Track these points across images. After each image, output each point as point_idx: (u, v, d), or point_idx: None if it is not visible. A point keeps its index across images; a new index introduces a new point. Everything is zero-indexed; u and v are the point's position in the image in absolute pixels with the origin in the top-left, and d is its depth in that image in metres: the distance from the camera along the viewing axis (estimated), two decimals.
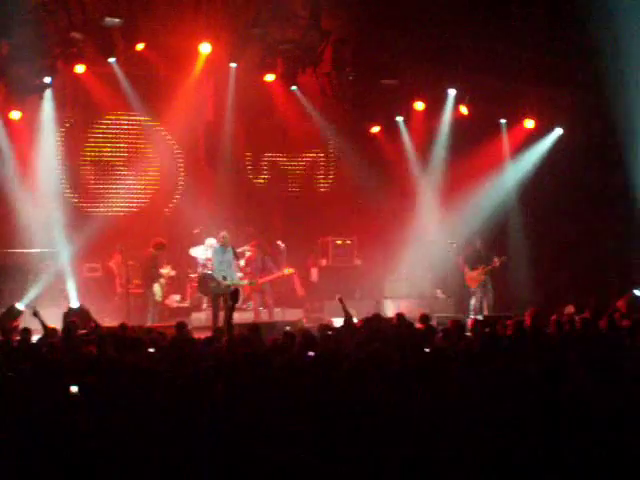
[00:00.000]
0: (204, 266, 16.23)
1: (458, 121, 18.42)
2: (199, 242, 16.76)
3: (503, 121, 18.87)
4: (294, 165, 19.80)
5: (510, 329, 10.36)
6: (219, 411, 6.34)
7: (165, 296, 16.73)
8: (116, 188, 18.27)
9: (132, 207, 18.40)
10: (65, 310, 13.48)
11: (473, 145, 18.21)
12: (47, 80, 15.85)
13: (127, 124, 18.37)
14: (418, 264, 18.17)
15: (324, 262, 18.52)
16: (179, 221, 17.81)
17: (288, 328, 11.87)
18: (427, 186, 19.00)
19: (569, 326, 10.79)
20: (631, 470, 5.79)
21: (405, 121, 18.88)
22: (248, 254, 16.61)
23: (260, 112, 18.75)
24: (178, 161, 18.71)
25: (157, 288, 16.28)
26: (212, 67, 17.27)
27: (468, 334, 10.83)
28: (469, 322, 12.06)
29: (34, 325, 11.37)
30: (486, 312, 16.57)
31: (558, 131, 18.70)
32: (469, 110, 18.14)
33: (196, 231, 17.00)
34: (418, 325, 11.19)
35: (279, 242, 17.40)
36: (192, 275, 17.11)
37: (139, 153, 18.34)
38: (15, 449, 5.95)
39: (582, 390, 6.77)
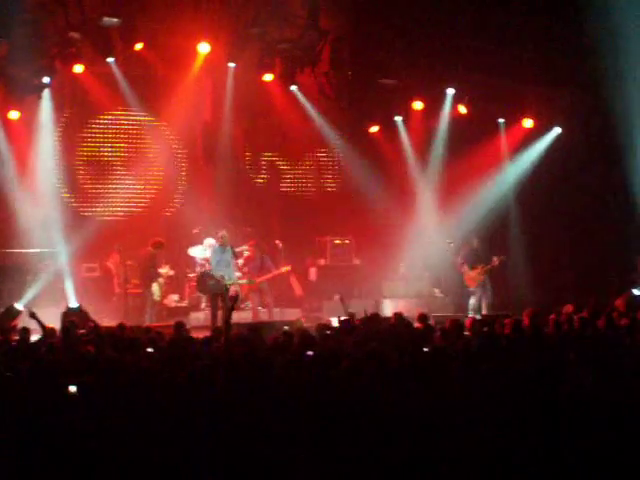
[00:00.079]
0: (202, 266, 16.25)
1: (457, 120, 18.43)
2: (198, 242, 16.77)
3: (502, 120, 18.88)
4: (293, 165, 19.80)
5: (508, 328, 10.37)
6: (218, 410, 6.33)
7: (163, 296, 16.72)
8: (115, 189, 18.22)
9: (132, 209, 18.33)
10: (64, 310, 13.49)
11: (472, 144, 18.23)
12: (45, 80, 15.83)
13: (126, 123, 18.36)
14: (416, 263, 18.19)
15: (322, 262, 18.51)
16: (178, 221, 17.83)
17: (287, 328, 11.87)
18: (426, 185, 19.01)
19: (567, 325, 10.79)
20: (631, 470, 5.79)
21: (404, 120, 18.87)
22: (247, 253, 16.61)
23: (258, 112, 18.78)
24: (178, 161, 18.70)
25: (156, 288, 16.27)
26: (210, 67, 17.25)
27: (466, 333, 10.83)
28: (467, 321, 12.04)
29: (33, 325, 11.36)
30: (485, 311, 16.55)
31: (557, 130, 18.73)
32: (468, 109, 18.17)
33: (195, 231, 17.00)
34: (416, 324, 11.21)
35: (277, 241, 17.41)
36: (191, 275, 17.11)
37: (139, 153, 18.31)
38: (14, 449, 5.95)
39: (581, 389, 6.77)
